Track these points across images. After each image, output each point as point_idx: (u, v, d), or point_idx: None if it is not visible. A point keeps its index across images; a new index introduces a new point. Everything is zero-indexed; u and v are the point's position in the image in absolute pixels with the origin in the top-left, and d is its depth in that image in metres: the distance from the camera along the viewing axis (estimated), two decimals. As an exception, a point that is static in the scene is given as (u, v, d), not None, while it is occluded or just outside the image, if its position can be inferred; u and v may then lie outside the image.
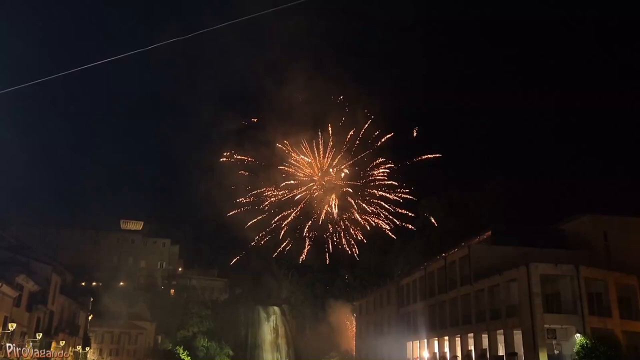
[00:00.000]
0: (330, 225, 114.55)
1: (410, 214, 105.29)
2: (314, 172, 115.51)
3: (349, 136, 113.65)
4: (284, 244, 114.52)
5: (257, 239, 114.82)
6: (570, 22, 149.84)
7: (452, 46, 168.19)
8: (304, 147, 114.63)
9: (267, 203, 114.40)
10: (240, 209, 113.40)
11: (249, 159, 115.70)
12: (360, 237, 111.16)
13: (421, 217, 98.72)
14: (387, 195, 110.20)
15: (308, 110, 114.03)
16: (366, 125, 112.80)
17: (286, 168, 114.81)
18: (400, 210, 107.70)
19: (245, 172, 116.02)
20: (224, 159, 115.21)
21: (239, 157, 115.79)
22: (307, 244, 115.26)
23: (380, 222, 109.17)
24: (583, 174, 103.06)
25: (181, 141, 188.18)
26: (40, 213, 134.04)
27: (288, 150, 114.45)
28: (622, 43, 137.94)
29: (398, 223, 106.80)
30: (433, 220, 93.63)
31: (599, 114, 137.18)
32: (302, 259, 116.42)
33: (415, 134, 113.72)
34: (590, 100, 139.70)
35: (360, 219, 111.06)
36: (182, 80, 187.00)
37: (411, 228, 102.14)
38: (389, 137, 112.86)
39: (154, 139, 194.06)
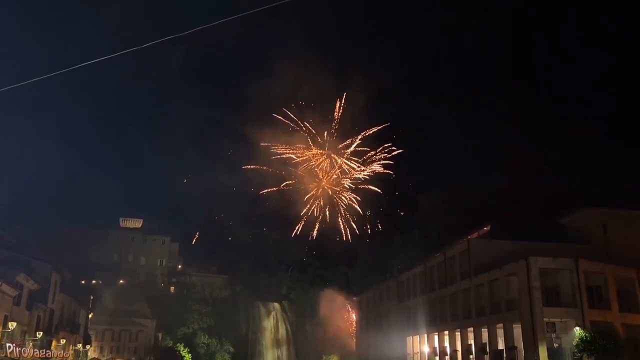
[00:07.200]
0: (329, 220, 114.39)
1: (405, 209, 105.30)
2: (311, 162, 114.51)
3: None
4: (285, 239, 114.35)
5: (257, 235, 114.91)
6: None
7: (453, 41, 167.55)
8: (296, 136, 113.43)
9: (267, 199, 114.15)
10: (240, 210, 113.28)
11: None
12: (359, 232, 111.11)
13: (420, 212, 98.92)
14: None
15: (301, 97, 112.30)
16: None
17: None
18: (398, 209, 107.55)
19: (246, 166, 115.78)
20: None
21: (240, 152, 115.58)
22: (308, 238, 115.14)
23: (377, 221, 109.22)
24: (582, 167, 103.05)
25: (181, 138, 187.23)
26: (40, 212, 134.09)
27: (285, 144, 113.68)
28: (618, 38, 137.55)
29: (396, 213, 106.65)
30: (432, 215, 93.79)
31: (597, 107, 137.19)
32: (302, 254, 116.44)
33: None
34: (588, 94, 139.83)
35: (359, 210, 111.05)
36: (172, 76, 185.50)
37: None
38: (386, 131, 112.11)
39: (152, 136, 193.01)
